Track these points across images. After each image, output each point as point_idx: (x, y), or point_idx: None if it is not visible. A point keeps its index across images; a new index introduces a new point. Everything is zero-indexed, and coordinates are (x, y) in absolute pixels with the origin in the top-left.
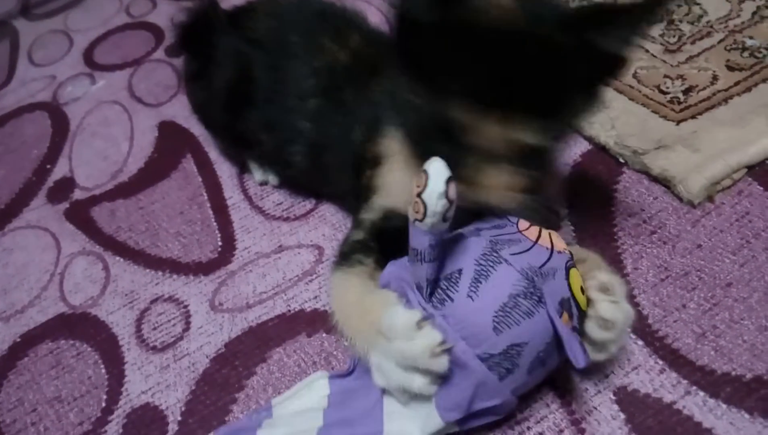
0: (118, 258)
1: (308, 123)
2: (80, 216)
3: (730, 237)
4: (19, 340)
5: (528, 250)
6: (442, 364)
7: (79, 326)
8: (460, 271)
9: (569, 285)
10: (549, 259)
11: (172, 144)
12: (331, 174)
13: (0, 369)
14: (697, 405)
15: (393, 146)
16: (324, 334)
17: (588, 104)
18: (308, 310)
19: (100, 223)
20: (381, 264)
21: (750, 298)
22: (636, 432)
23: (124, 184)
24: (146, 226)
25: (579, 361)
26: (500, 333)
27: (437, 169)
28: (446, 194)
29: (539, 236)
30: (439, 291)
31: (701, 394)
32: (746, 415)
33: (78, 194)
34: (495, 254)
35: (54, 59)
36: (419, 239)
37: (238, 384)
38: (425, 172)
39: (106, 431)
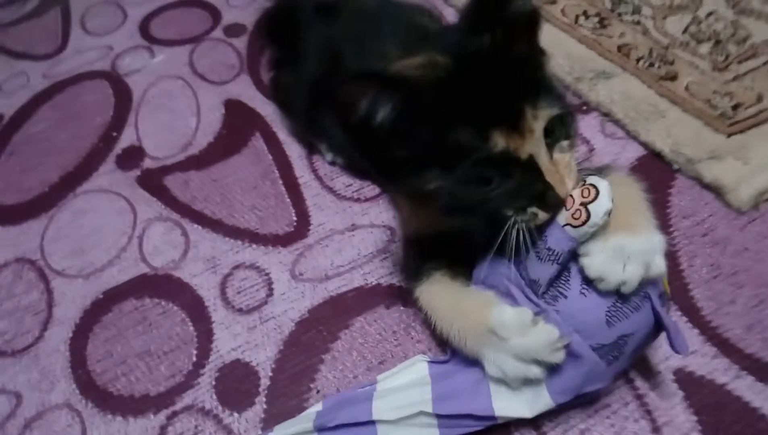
0: (196, 226)
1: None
2: (153, 184)
3: None
4: (101, 296)
5: None
6: (559, 356)
7: (163, 287)
8: (569, 270)
9: (663, 280)
10: None
11: (239, 122)
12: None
13: (86, 322)
14: (746, 387)
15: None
16: (402, 307)
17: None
18: (384, 284)
19: (174, 191)
20: (447, 265)
21: None
22: (693, 407)
23: (195, 157)
24: (221, 198)
25: (684, 349)
26: (612, 326)
27: (606, 187)
28: (609, 213)
29: None
30: (551, 289)
31: (750, 378)
32: None
33: (149, 163)
34: None
35: (109, 30)
36: (561, 242)
37: (324, 347)
38: (594, 186)
39: (199, 383)
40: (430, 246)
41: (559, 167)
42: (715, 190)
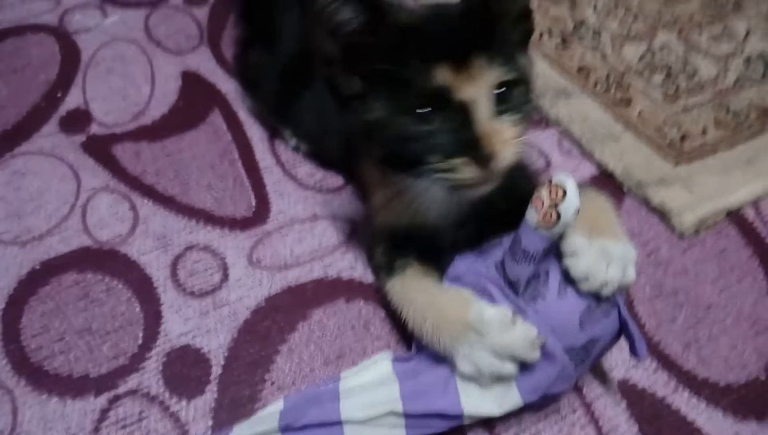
0: (146, 200)
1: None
2: (101, 152)
3: (710, 267)
4: (38, 267)
5: None
6: (536, 354)
7: (108, 262)
8: (547, 272)
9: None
10: None
11: (197, 96)
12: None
13: (20, 294)
14: (683, 401)
15: (372, 173)
16: (362, 302)
17: (521, 28)
18: (345, 278)
19: (123, 162)
20: (418, 259)
21: (725, 319)
22: (635, 417)
23: (147, 127)
24: (174, 174)
25: (643, 353)
26: (583, 330)
27: (574, 185)
28: (578, 210)
29: None
30: (530, 288)
31: (686, 393)
32: (720, 414)
33: (96, 129)
34: None
35: None
36: (535, 243)
37: (280, 337)
38: (561, 186)
39: (144, 367)
40: (402, 239)
41: (501, 132)
42: (660, 213)
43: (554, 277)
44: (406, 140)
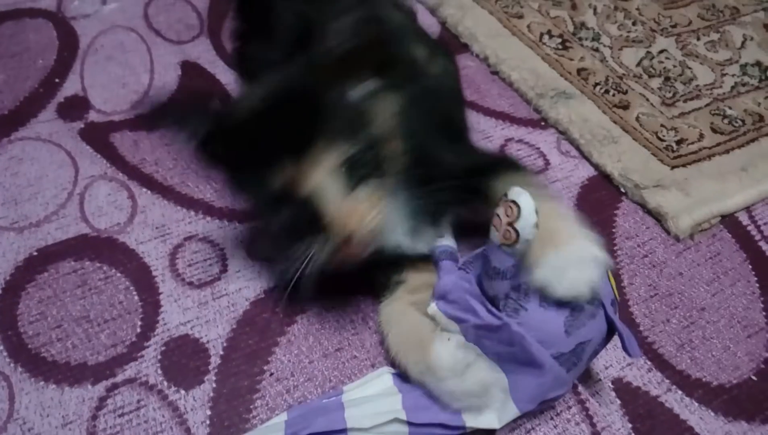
0: (144, 189)
1: None
2: (99, 139)
3: (705, 270)
4: (36, 253)
5: None
6: (490, 399)
7: (106, 251)
8: (527, 284)
9: (612, 287)
10: None
11: (197, 87)
12: None
13: (17, 280)
14: (676, 401)
15: None
16: (360, 297)
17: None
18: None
19: (122, 150)
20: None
21: (719, 322)
22: (629, 415)
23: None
24: (174, 164)
25: (636, 352)
26: (570, 335)
27: (528, 200)
28: (536, 223)
29: None
30: (511, 301)
31: (679, 392)
32: (712, 413)
33: (94, 117)
34: None
35: None
36: (502, 260)
37: (279, 329)
38: (515, 203)
39: (143, 356)
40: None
41: (355, 209)
42: (657, 216)
43: (534, 289)
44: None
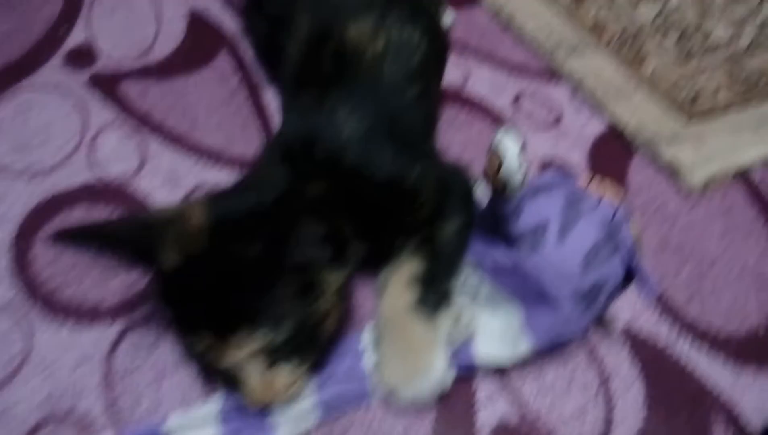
0: (155, 137)
1: None
2: (108, 87)
3: (716, 224)
4: (48, 199)
5: (599, 204)
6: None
7: (118, 197)
8: (545, 224)
9: (632, 231)
10: (615, 212)
11: (204, 36)
12: None
13: (31, 223)
14: (684, 349)
15: None
16: None
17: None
18: None
19: (130, 99)
20: None
21: (729, 274)
22: (638, 361)
23: (154, 66)
24: (183, 113)
25: (652, 293)
26: (586, 275)
27: (508, 146)
28: (522, 165)
29: (601, 191)
30: (528, 241)
31: (688, 341)
32: (720, 362)
33: (102, 65)
34: (576, 209)
35: None
36: (502, 205)
37: None
38: (496, 152)
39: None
40: None
41: (274, 383)
42: (670, 170)
43: (552, 228)
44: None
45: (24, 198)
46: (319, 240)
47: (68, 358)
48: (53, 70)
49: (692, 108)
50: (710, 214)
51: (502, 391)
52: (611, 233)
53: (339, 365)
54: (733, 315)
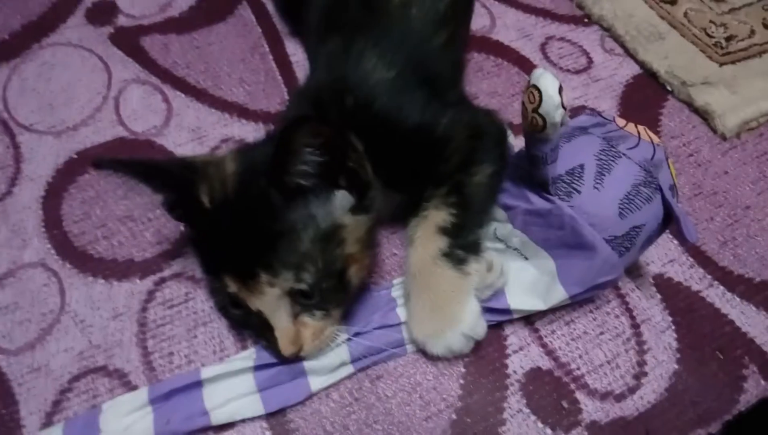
0: (178, 93)
1: None
2: (129, 43)
3: (751, 169)
4: (75, 156)
5: (637, 145)
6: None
7: (145, 152)
8: (582, 166)
9: (671, 173)
10: (654, 152)
11: None
12: None
13: (59, 182)
14: (717, 296)
15: None
16: None
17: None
18: None
19: (153, 54)
20: None
21: (763, 220)
22: (669, 309)
23: (174, 19)
24: (205, 67)
25: (693, 235)
26: (624, 218)
27: (547, 81)
28: (562, 104)
29: (639, 131)
30: (564, 185)
31: (721, 288)
32: (753, 308)
33: (123, 21)
34: (613, 150)
35: None
36: (539, 147)
37: None
38: (535, 87)
39: (188, 252)
40: None
41: (302, 330)
42: (703, 114)
43: (589, 171)
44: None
45: (51, 157)
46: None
47: (102, 313)
48: (75, 27)
49: (725, 50)
50: (744, 160)
51: (534, 339)
52: (651, 174)
53: (371, 316)
54: (766, 262)
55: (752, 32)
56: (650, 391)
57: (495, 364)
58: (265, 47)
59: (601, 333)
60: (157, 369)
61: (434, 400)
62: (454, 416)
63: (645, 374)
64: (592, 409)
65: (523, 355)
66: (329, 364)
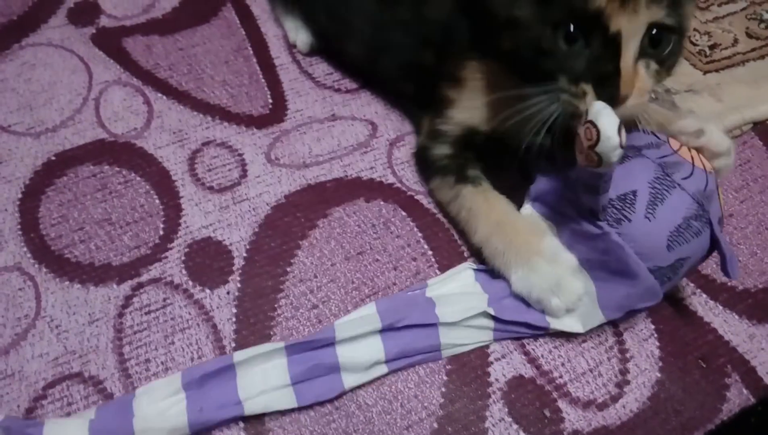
0: (160, 94)
1: (368, 27)
2: (111, 44)
3: (734, 177)
4: (54, 158)
5: (692, 173)
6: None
7: (124, 155)
8: (634, 193)
9: (720, 204)
10: (707, 182)
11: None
12: (388, 76)
13: (37, 184)
14: (700, 304)
15: (476, 69)
16: (381, 202)
17: None
18: (365, 178)
19: (135, 55)
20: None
21: (746, 228)
22: (651, 317)
23: (158, 21)
24: (188, 69)
25: (735, 274)
26: (672, 250)
27: (608, 120)
28: (621, 144)
29: (692, 157)
30: (614, 211)
31: (704, 296)
32: (736, 317)
33: (105, 21)
34: (668, 179)
35: None
36: (592, 177)
37: (301, 233)
38: (593, 124)
39: (167, 256)
40: (477, 142)
41: (639, 77)
42: None
43: (642, 198)
44: (540, 50)
45: (29, 159)
46: None
47: (77, 318)
48: (56, 27)
49: (709, 58)
50: None
51: (516, 346)
52: (703, 206)
53: (408, 313)
54: (750, 269)
55: (736, 41)
56: (633, 400)
57: (477, 371)
58: (249, 50)
59: (584, 341)
60: (134, 376)
61: (415, 408)
62: (435, 425)
63: (627, 383)
64: (574, 418)
65: (505, 362)
66: (364, 361)
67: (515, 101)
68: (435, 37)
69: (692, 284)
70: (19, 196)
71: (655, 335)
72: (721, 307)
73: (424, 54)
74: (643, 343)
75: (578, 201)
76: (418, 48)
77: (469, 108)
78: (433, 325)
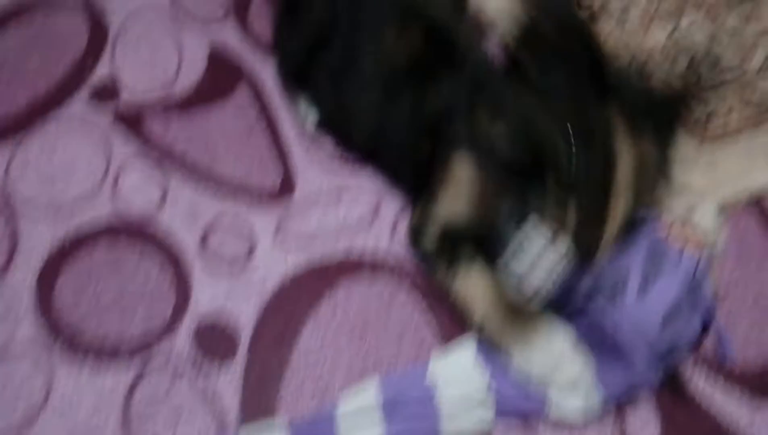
0: (176, 170)
1: (370, 114)
2: (131, 122)
3: (730, 252)
4: (72, 236)
5: (681, 259)
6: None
7: (140, 235)
8: (626, 276)
9: (712, 286)
10: (697, 266)
11: (225, 68)
12: (386, 159)
13: (53, 264)
14: (698, 384)
15: (462, 168)
16: (387, 277)
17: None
18: (370, 252)
19: (154, 132)
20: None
21: (743, 304)
22: (654, 398)
23: (177, 99)
24: (204, 145)
25: (730, 358)
26: (664, 333)
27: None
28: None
29: (684, 240)
30: (607, 294)
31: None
32: (736, 395)
33: (126, 98)
34: (657, 263)
35: None
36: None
37: (307, 310)
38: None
39: (177, 333)
40: (459, 232)
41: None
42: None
43: (633, 280)
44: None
45: (47, 237)
46: None
47: (87, 400)
48: (79, 103)
49: (703, 131)
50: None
51: (518, 426)
52: (692, 290)
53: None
54: (748, 345)
55: (729, 113)
56: None
57: None
58: (261, 126)
59: (587, 422)
60: None
61: None
62: None
63: None
64: None
65: None
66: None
67: (498, 198)
68: (432, 128)
69: (691, 362)
70: (36, 275)
71: (657, 416)
72: (720, 386)
73: (421, 145)
74: (645, 424)
75: (571, 283)
76: (417, 139)
77: (449, 200)
78: (433, 414)
